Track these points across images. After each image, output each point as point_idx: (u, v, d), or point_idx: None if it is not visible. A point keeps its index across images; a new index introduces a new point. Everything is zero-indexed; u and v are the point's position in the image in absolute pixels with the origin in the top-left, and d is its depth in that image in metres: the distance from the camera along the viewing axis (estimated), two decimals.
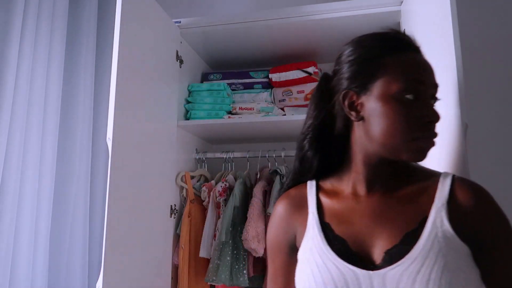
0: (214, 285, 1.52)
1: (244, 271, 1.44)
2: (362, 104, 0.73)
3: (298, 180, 0.86)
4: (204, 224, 1.56)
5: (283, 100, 1.73)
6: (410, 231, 0.66)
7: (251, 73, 1.78)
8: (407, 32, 1.36)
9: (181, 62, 1.62)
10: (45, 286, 1.43)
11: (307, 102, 1.70)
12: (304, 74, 1.69)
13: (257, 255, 1.42)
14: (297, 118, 1.51)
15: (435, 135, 0.71)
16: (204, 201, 1.61)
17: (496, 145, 1.61)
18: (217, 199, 1.56)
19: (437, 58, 1.02)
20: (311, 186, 0.82)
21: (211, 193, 1.58)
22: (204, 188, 1.61)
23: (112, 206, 1.09)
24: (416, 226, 0.66)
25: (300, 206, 0.80)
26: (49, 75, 1.52)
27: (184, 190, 1.60)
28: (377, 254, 0.67)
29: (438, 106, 0.92)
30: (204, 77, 1.85)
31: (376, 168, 0.74)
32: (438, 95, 0.74)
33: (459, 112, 0.85)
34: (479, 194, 0.67)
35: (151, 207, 1.34)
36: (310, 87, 1.69)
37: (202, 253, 1.52)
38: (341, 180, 0.79)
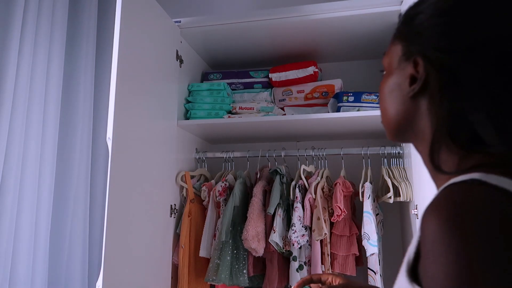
0: (214, 285, 1.53)
1: (244, 271, 1.44)
2: None
3: None
4: (204, 224, 1.57)
5: (283, 99, 1.74)
6: None
7: (251, 73, 1.78)
8: None
9: (181, 61, 1.62)
10: (45, 286, 1.43)
11: (307, 102, 1.72)
12: (304, 74, 1.69)
13: (257, 255, 1.42)
14: (297, 118, 1.51)
15: None
16: (204, 200, 1.62)
17: None
18: (217, 198, 1.56)
19: None
20: None
21: (211, 192, 1.58)
22: (204, 187, 1.61)
23: (112, 206, 1.09)
24: None
25: None
26: (49, 75, 1.52)
27: (184, 190, 1.60)
28: None
29: None
30: (204, 77, 1.85)
31: None
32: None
33: None
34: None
35: (151, 206, 1.34)
36: (310, 86, 1.69)
37: (202, 253, 1.52)
38: None
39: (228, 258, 1.44)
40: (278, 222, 1.44)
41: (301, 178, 1.53)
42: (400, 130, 0.61)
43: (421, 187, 1.22)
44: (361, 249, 1.45)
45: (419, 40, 0.55)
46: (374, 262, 1.39)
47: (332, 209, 1.44)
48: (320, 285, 0.86)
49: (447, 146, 0.52)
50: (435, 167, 0.52)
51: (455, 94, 0.50)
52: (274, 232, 1.41)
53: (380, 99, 0.64)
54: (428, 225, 0.43)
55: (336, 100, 1.63)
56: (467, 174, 0.47)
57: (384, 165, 1.52)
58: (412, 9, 0.58)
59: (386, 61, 0.63)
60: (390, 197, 1.41)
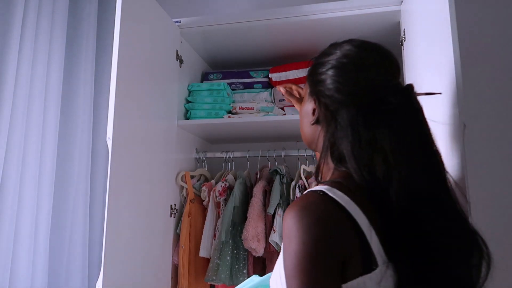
0: (214, 285, 1.53)
1: (244, 271, 1.44)
2: None
3: None
4: (204, 224, 1.57)
5: (283, 99, 1.73)
6: None
7: (251, 73, 1.78)
8: (407, 32, 1.37)
9: (181, 61, 1.62)
10: (45, 286, 1.43)
11: None
12: (304, 74, 1.69)
13: (257, 255, 1.42)
14: (297, 117, 1.51)
15: None
16: (204, 200, 1.62)
17: (494, 146, 1.61)
18: (217, 198, 1.56)
19: (436, 58, 1.02)
20: None
21: (211, 192, 1.58)
22: (204, 187, 1.61)
23: (112, 206, 1.09)
24: None
25: None
26: (49, 75, 1.52)
27: (184, 190, 1.60)
28: None
29: (437, 106, 0.92)
30: (204, 77, 1.85)
31: None
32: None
33: (457, 112, 0.85)
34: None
35: (151, 206, 1.34)
36: None
37: (202, 253, 1.52)
38: None
39: (228, 258, 1.44)
40: (278, 222, 1.44)
41: (301, 178, 1.53)
42: (309, 144, 0.84)
43: None
44: None
45: (317, 85, 0.76)
46: None
47: None
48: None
49: (327, 163, 0.74)
50: (316, 177, 0.76)
51: (333, 128, 0.71)
52: (274, 232, 1.41)
53: (300, 118, 0.86)
54: (284, 217, 0.64)
55: None
56: (323, 185, 0.67)
57: None
58: (319, 58, 0.79)
59: (304, 91, 0.84)
60: None
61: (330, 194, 0.64)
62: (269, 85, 1.77)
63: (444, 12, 0.93)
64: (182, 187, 1.61)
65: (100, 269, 1.03)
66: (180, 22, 1.61)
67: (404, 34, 1.41)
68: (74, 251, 1.57)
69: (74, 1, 1.71)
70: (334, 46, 0.77)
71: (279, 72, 1.72)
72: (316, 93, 0.76)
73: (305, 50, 1.79)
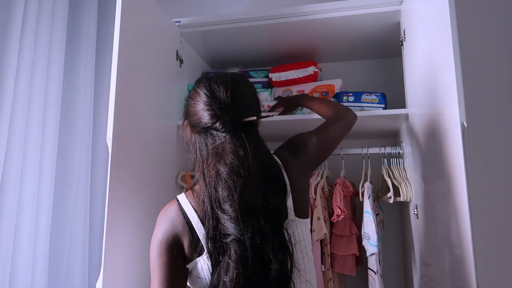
0: None
1: None
2: None
3: None
4: None
5: None
6: None
7: (251, 73, 1.78)
8: (407, 32, 1.37)
9: (181, 61, 1.62)
10: (45, 286, 1.43)
11: None
12: (304, 74, 1.69)
13: None
14: (297, 117, 1.51)
15: None
16: None
17: (494, 146, 1.61)
18: None
19: (436, 58, 1.02)
20: None
21: None
22: None
23: (112, 206, 1.09)
24: None
25: None
26: (49, 75, 1.52)
27: (184, 190, 1.60)
28: None
29: (437, 106, 0.92)
30: None
31: None
32: None
33: (457, 112, 0.85)
34: None
35: (151, 206, 1.34)
36: (310, 86, 1.69)
37: None
38: None
39: None
40: None
41: None
42: None
43: (421, 187, 1.22)
44: (361, 249, 1.45)
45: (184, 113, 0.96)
46: (374, 262, 1.39)
47: (332, 209, 1.44)
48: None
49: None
50: (191, 186, 0.94)
51: (192, 146, 0.94)
52: None
53: None
54: None
55: (336, 100, 1.63)
56: (183, 192, 0.93)
57: (384, 165, 1.52)
58: (191, 90, 0.95)
59: None
60: (390, 197, 1.41)
61: (179, 199, 0.90)
62: (269, 85, 1.77)
63: (444, 12, 0.93)
64: (182, 187, 1.60)
65: (100, 269, 1.03)
66: (180, 22, 1.61)
67: (404, 34, 1.42)
68: (74, 251, 1.56)
69: (74, 1, 1.71)
70: (195, 86, 0.93)
71: (279, 72, 1.72)
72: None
73: (305, 50, 1.80)
